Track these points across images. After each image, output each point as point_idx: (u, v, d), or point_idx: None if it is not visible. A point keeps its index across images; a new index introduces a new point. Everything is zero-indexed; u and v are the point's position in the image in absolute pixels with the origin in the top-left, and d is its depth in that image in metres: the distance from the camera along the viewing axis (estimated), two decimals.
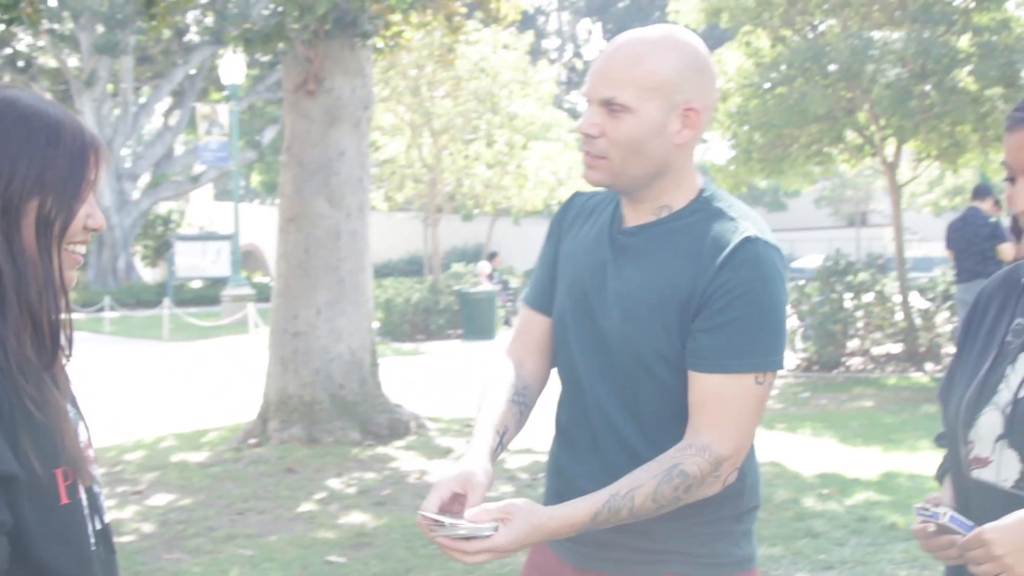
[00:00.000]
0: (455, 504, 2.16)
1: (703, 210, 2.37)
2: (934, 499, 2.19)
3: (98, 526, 1.91)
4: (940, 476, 2.37)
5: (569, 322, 2.45)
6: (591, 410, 2.42)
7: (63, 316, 1.87)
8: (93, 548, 1.87)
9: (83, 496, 1.85)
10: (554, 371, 2.58)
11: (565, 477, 2.45)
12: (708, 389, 2.27)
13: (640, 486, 2.20)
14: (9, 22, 8.56)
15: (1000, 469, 2.08)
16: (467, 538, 2.09)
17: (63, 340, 1.87)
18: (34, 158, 1.78)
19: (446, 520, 2.11)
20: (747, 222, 2.35)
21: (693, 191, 2.40)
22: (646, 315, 2.33)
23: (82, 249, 1.89)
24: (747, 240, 2.29)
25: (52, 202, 1.79)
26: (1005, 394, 2.10)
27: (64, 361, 1.92)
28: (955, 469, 2.22)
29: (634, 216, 2.42)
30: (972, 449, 2.14)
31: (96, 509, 1.92)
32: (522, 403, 2.45)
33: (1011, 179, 2.11)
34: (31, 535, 1.74)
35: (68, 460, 1.79)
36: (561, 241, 2.55)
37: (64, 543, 1.80)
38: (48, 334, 1.82)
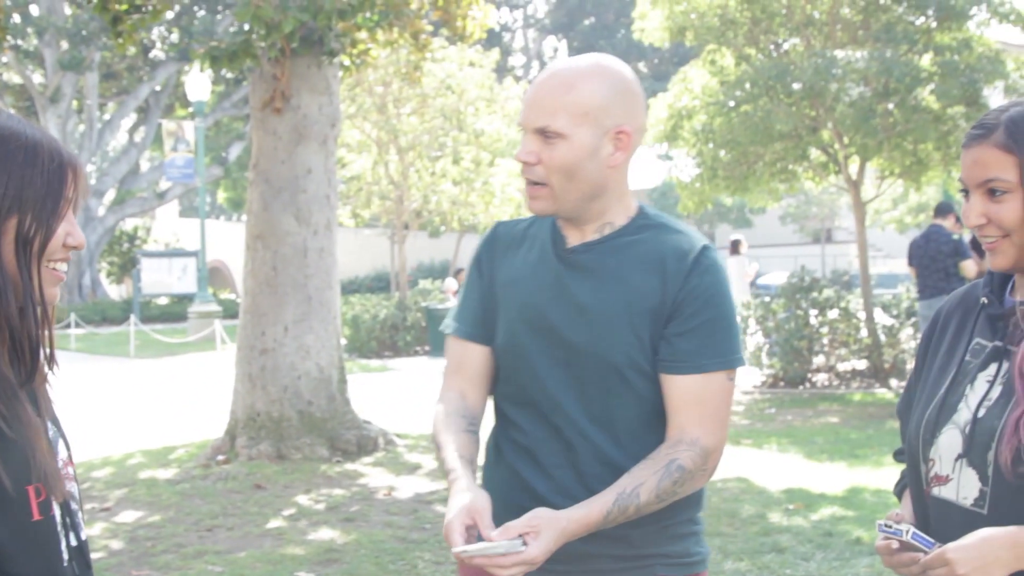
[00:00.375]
0: (469, 536, 2.24)
1: (649, 225, 2.51)
2: (896, 516, 2.23)
3: (74, 542, 1.94)
4: (899, 491, 2.43)
5: (528, 344, 2.51)
6: (562, 426, 2.48)
7: (43, 332, 1.90)
8: (66, 564, 1.89)
9: (56, 512, 1.87)
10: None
11: (533, 494, 2.49)
12: (688, 389, 2.41)
13: (643, 483, 2.32)
14: None
15: (960, 487, 2.13)
16: (503, 555, 2.19)
17: (43, 356, 1.90)
18: (12, 177, 1.81)
19: (481, 546, 2.19)
20: (693, 233, 2.51)
21: (632, 209, 2.54)
22: (616, 326, 2.43)
23: (63, 266, 1.92)
24: (706, 248, 2.46)
25: (31, 220, 1.83)
26: (964, 413, 2.15)
27: (49, 376, 1.95)
28: (915, 486, 2.27)
29: (577, 235, 2.53)
30: (932, 467, 2.19)
31: (73, 526, 1.94)
32: (475, 432, 2.54)
33: (966, 194, 2.18)
34: (2, 550, 1.77)
35: (40, 476, 1.81)
36: (495, 271, 2.61)
37: (36, 559, 1.82)
38: (27, 351, 1.85)
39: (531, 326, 2.51)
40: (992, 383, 2.14)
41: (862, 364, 14.70)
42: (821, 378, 14.82)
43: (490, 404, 2.69)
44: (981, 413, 2.12)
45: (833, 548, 6.76)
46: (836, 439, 10.69)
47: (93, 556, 6.84)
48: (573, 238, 2.53)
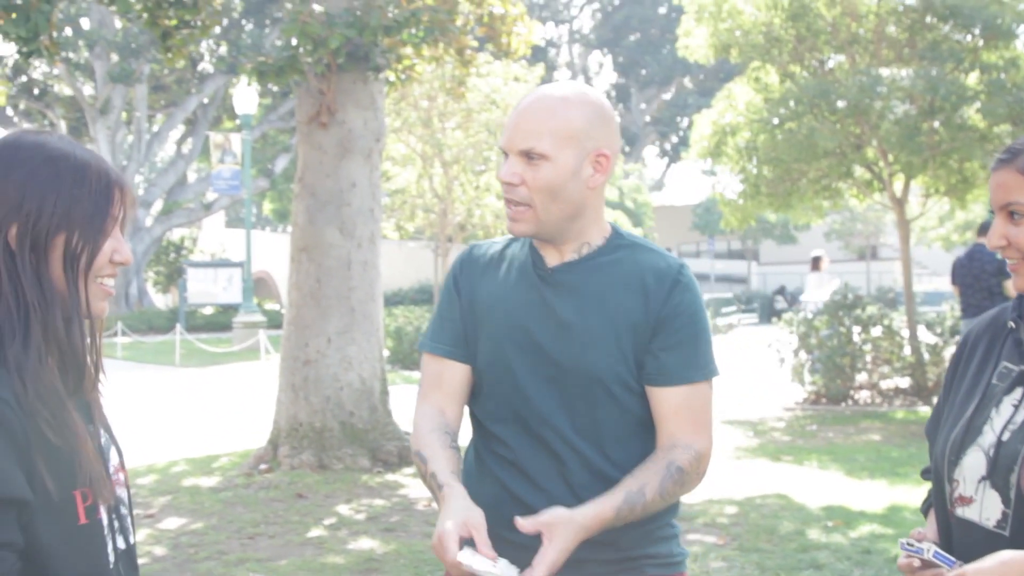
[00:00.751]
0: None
1: (625, 245, 2.63)
2: (919, 534, 2.28)
3: (122, 545, 2.03)
4: (925, 509, 2.47)
5: (514, 362, 2.60)
6: (549, 440, 2.58)
7: (91, 344, 2.00)
8: (112, 566, 1.97)
9: (103, 516, 1.95)
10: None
11: (524, 506, 2.56)
12: (677, 400, 2.54)
13: (647, 483, 2.44)
14: (28, 54, 8.70)
15: (983, 508, 2.18)
16: None
17: (90, 367, 1.99)
18: (61, 196, 1.91)
19: (481, 564, 2.24)
20: (666, 253, 2.65)
21: (607, 229, 2.65)
22: (601, 342, 2.53)
23: (111, 281, 2.01)
24: (683, 267, 2.59)
25: (78, 237, 1.92)
26: (989, 436, 2.19)
27: (99, 386, 2.04)
28: (939, 505, 2.32)
29: (556, 256, 2.63)
30: (957, 488, 2.24)
31: (122, 529, 2.03)
32: (457, 449, 2.61)
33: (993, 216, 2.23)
34: (49, 553, 1.86)
35: (86, 481, 1.90)
36: (475, 291, 2.69)
37: (82, 561, 1.91)
38: (75, 362, 1.94)
39: (517, 344, 2.60)
40: (1017, 407, 2.19)
41: (905, 382, 14.63)
42: (864, 395, 14.75)
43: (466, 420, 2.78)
44: (1006, 436, 2.17)
45: (871, 566, 6.77)
46: (877, 457, 10.65)
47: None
48: (552, 258, 2.63)
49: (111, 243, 1.98)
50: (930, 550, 2.13)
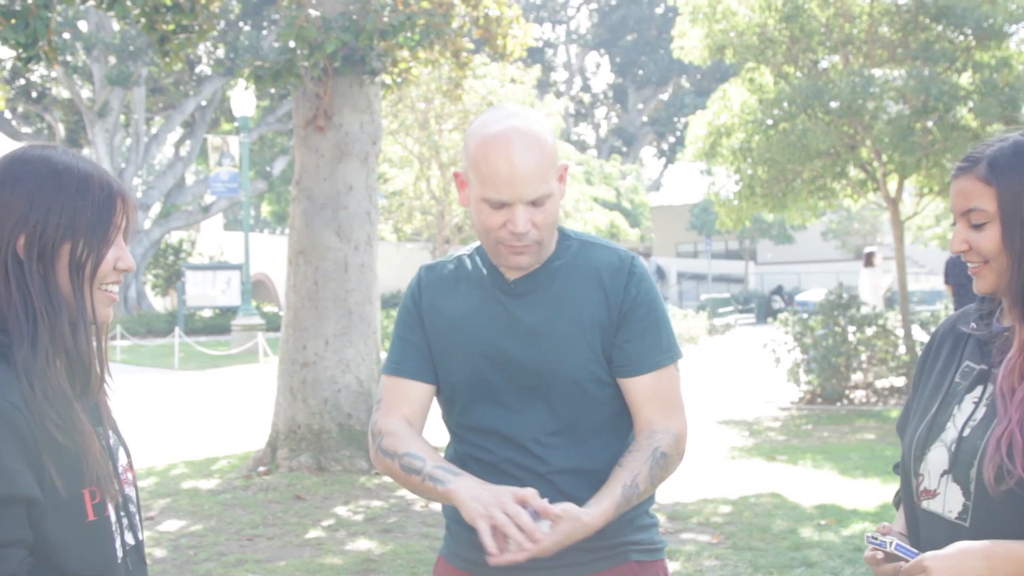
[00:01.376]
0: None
1: (574, 246, 2.71)
2: (884, 528, 2.39)
3: (131, 541, 2.13)
4: (897, 503, 2.58)
5: (491, 377, 2.67)
6: (528, 444, 2.66)
7: (96, 348, 2.09)
8: (120, 561, 2.07)
9: (111, 514, 2.05)
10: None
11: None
12: (647, 387, 2.64)
13: (639, 473, 2.54)
14: (28, 60, 8.77)
15: (946, 501, 2.29)
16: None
17: (96, 369, 2.08)
18: (65, 207, 2.02)
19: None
20: (615, 246, 2.73)
21: (556, 233, 2.71)
22: (572, 345, 2.62)
23: (115, 288, 2.11)
24: (634, 258, 2.68)
25: (83, 246, 2.03)
26: (951, 432, 2.31)
27: (106, 387, 2.13)
28: (907, 498, 2.43)
29: (520, 269, 2.67)
30: (922, 481, 2.36)
31: (131, 526, 2.15)
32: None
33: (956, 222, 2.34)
34: (59, 549, 1.96)
35: (93, 480, 1.99)
36: (439, 311, 2.74)
37: (91, 556, 2.02)
38: (81, 366, 2.03)
39: (491, 360, 2.66)
40: (977, 404, 2.30)
41: (900, 381, 14.72)
42: (859, 395, 14.84)
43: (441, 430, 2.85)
44: (966, 432, 2.28)
45: (862, 563, 6.82)
46: (871, 456, 10.73)
47: None
48: (512, 271, 2.68)
49: (114, 251, 2.08)
50: (892, 543, 2.24)
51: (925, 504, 2.34)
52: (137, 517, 2.19)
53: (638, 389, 2.65)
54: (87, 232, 2.03)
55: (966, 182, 2.29)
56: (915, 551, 2.21)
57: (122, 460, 2.18)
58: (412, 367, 2.74)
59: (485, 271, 2.72)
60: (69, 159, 2.07)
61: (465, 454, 2.74)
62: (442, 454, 2.74)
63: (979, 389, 2.31)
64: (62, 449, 1.94)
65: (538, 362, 2.63)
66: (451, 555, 2.80)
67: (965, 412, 2.30)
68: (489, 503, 2.37)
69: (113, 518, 2.07)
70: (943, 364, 2.44)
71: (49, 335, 1.98)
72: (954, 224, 2.36)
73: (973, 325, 2.39)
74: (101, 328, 2.11)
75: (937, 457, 2.31)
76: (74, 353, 2.03)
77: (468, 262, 2.77)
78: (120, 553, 2.09)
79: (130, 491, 2.18)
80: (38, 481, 1.91)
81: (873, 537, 2.28)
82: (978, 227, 2.27)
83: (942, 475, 2.29)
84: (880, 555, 2.27)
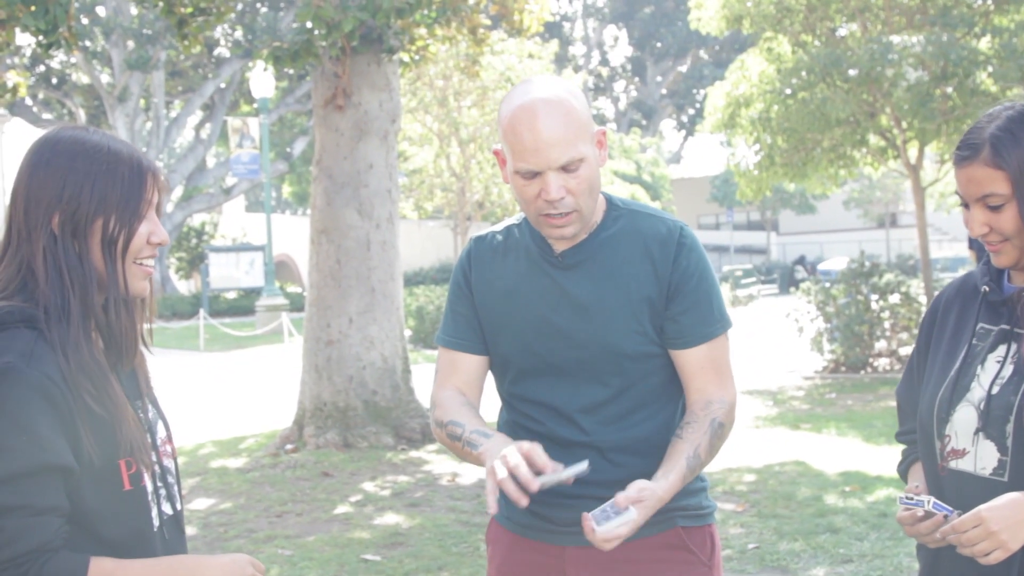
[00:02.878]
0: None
1: (623, 216, 2.71)
2: (915, 488, 2.42)
3: (169, 511, 2.21)
4: (903, 470, 2.61)
5: (539, 348, 2.69)
6: (579, 418, 2.68)
7: (133, 321, 2.17)
8: (156, 529, 2.14)
9: (148, 484, 2.13)
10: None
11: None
12: (700, 358, 2.66)
13: (700, 444, 2.57)
14: (48, 46, 8.83)
15: (977, 459, 2.33)
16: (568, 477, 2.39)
17: (130, 341, 2.14)
18: (97, 184, 2.09)
19: (551, 476, 2.37)
20: (665, 215, 2.72)
21: (603, 202, 2.73)
22: (620, 318, 2.64)
23: (151, 262, 2.18)
24: (683, 227, 2.69)
25: (115, 221, 2.10)
26: (978, 391, 2.36)
27: (144, 361, 2.25)
28: (928, 462, 2.47)
29: (566, 240, 2.67)
30: (948, 442, 2.39)
31: (169, 497, 2.23)
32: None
33: (966, 205, 2.38)
34: (96, 517, 2.04)
35: (128, 450, 2.06)
36: (488, 283, 2.76)
37: (127, 524, 2.09)
38: (114, 337, 2.11)
39: (539, 332, 2.68)
40: (1003, 363, 2.34)
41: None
42: (883, 363, 14.84)
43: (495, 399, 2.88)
44: (995, 390, 2.32)
45: (887, 528, 6.87)
46: (895, 423, 10.64)
47: None
48: (560, 243, 2.68)
49: (147, 225, 2.15)
50: (930, 501, 2.27)
51: (953, 464, 2.37)
52: (176, 488, 2.26)
53: (691, 360, 2.66)
54: (119, 208, 2.09)
55: (974, 169, 2.32)
56: (952, 508, 2.25)
57: (161, 433, 2.26)
58: (463, 339, 2.78)
59: (533, 242, 2.73)
60: (100, 138, 2.14)
61: (515, 423, 2.77)
62: (494, 421, 2.79)
63: (1002, 348, 2.36)
64: (98, 419, 2.01)
65: (586, 335, 2.65)
66: (503, 518, 2.83)
67: (990, 371, 2.35)
68: (496, 465, 2.39)
69: (150, 488, 2.14)
70: (954, 328, 2.49)
71: (81, 308, 2.05)
72: (962, 206, 2.40)
73: (986, 288, 2.43)
74: (136, 301, 2.19)
75: (965, 417, 2.35)
76: (107, 326, 2.11)
77: (516, 232, 2.78)
78: (156, 522, 2.15)
79: (169, 463, 2.25)
80: (74, 451, 1.97)
81: (908, 498, 2.31)
82: (995, 209, 2.31)
83: (974, 434, 2.33)
84: (920, 513, 2.30)
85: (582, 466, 2.39)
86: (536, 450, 2.40)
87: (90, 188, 2.07)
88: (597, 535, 2.34)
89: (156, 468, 2.17)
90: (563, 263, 2.68)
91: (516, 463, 2.36)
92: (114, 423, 2.04)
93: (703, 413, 2.61)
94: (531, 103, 2.54)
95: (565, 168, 2.53)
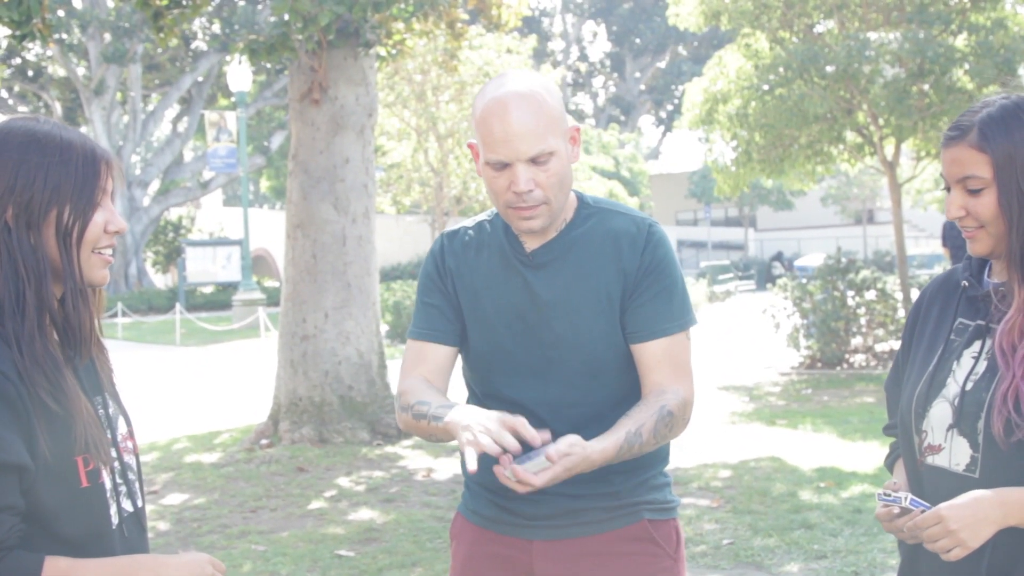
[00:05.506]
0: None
1: (594, 215, 2.71)
2: (893, 485, 2.42)
3: (129, 508, 2.18)
4: (890, 464, 2.62)
5: (510, 346, 2.69)
6: (549, 417, 2.65)
7: (89, 313, 2.13)
8: (115, 527, 2.11)
9: (106, 480, 2.09)
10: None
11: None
12: (657, 352, 2.64)
13: (644, 424, 2.55)
14: (22, 38, 8.77)
15: (952, 455, 2.34)
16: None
17: (87, 333, 2.11)
18: (50, 175, 2.07)
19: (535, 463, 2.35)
20: (635, 212, 2.72)
21: (574, 199, 2.73)
22: (589, 317, 2.64)
23: (109, 251, 2.15)
24: (652, 224, 2.68)
25: (69, 211, 2.08)
26: (953, 387, 2.36)
27: (107, 356, 2.22)
28: (908, 457, 2.47)
29: (537, 238, 2.69)
30: (925, 438, 2.40)
31: (129, 493, 2.20)
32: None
33: (948, 189, 2.38)
34: (53, 514, 2.01)
35: (84, 447, 2.04)
36: (461, 277, 2.75)
37: (84, 522, 2.06)
38: (72, 331, 2.08)
39: (511, 329, 2.68)
40: (977, 359, 2.35)
41: (899, 344, 14.71)
42: (859, 359, 14.87)
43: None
44: (969, 386, 2.33)
45: (861, 524, 6.89)
46: (870, 419, 10.77)
47: None
48: (531, 240, 2.69)
49: (102, 214, 2.12)
50: (907, 498, 2.27)
51: (930, 460, 2.38)
52: (137, 485, 2.23)
53: (648, 354, 2.65)
54: (73, 197, 2.07)
55: (958, 151, 2.32)
56: (928, 504, 2.25)
57: (122, 429, 2.23)
58: (432, 329, 2.76)
59: (506, 239, 2.73)
60: (51, 128, 2.11)
61: None
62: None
63: (977, 344, 2.36)
64: (53, 415, 1.99)
65: (558, 335, 2.65)
66: (468, 511, 2.83)
67: (965, 367, 2.36)
68: (475, 427, 2.37)
69: (108, 485, 2.11)
70: (935, 323, 2.50)
71: (36, 301, 2.03)
72: (944, 190, 2.40)
73: (965, 283, 2.43)
74: (94, 291, 2.16)
75: (940, 413, 2.36)
76: (64, 318, 2.08)
77: (488, 227, 2.78)
78: (116, 520, 2.13)
79: (130, 459, 2.22)
80: (29, 448, 1.95)
81: (885, 494, 2.31)
82: (974, 193, 2.31)
83: (947, 430, 2.34)
84: (896, 510, 2.30)
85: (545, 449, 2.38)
86: (524, 427, 2.38)
87: (43, 178, 2.05)
88: (517, 472, 2.32)
89: (116, 465, 2.14)
90: (533, 262, 2.68)
91: (499, 433, 2.34)
92: (70, 419, 2.01)
93: (654, 399, 2.61)
94: (504, 96, 2.55)
95: (535, 161, 2.54)
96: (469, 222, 2.84)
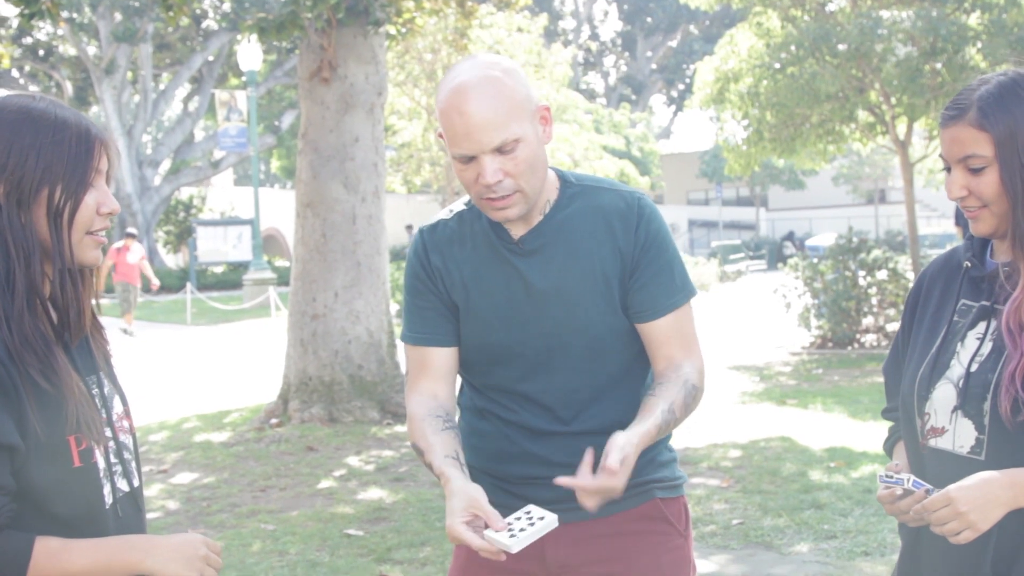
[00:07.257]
0: (475, 529, 2.32)
1: (580, 193, 2.65)
2: (895, 467, 2.39)
3: (125, 488, 2.16)
4: (889, 447, 2.59)
5: (506, 338, 2.63)
6: (551, 403, 2.63)
7: (81, 293, 2.12)
8: (108, 507, 2.09)
9: (99, 460, 2.08)
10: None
11: (528, 454, 2.65)
12: (666, 328, 2.61)
13: (674, 400, 2.53)
14: (31, 16, 8.75)
15: (956, 437, 2.31)
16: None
17: (77, 313, 2.10)
18: (42, 153, 2.04)
19: (503, 539, 2.29)
20: (619, 186, 2.67)
21: (555, 179, 2.67)
22: (586, 301, 2.59)
23: (103, 233, 2.12)
24: (641, 198, 2.63)
25: (61, 191, 2.05)
26: (957, 369, 2.33)
27: (104, 335, 2.20)
28: (910, 439, 2.44)
29: (522, 224, 2.62)
30: (928, 420, 2.37)
31: (125, 473, 2.17)
32: (453, 426, 2.62)
33: (948, 169, 2.34)
34: (45, 493, 1.99)
35: (77, 426, 2.02)
36: (448, 272, 2.68)
37: (76, 501, 2.04)
38: (63, 311, 2.06)
39: (505, 322, 2.62)
40: (982, 340, 2.31)
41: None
42: (870, 339, 14.83)
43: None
44: (974, 368, 2.29)
45: (871, 504, 6.87)
46: (881, 398, 10.62)
47: (150, 516, 7.11)
48: (517, 227, 2.62)
49: (95, 195, 2.09)
50: (909, 480, 2.24)
51: (933, 442, 2.35)
52: (133, 464, 2.21)
53: (658, 331, 2.62)
54: (65, 177, 2.04)
55: (958, 130, 2.29)
56: (931, 487, 2.22)
57: (117, 408, 2.20)
58: (429, 333, 2.70)
59: (490, 228, 2.65)
60: (46, 106, 2.08)
61: (484, 409, 2.72)
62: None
63: (982, 325, 2.33)
64: (45, 395, 1.97)
65: (553, 323, 2.60)
66: None
67: (970, 348, 2.32)
68: (451, 528, 2.32)
69: (102, 465, 2.09)
70: (937, 304, 2.46)
71: (26, 280, 2.01)
72: (944, 170, 2.37)
73: (968, 264, 2.40)
74: (87, 272, 2.14)
75: (944, 395, 2.33)
76: (56, 299, 2.06)
77: (469, 217, 2.70)
78: (110, 499, 2.11)
79: (125, 439, 2.20)
80: (20, 428, 1.93)
81: (887, 476, 2.28)
82: (976, 172, 2.28)
83: (952, 412, 2.31)
84: (898, 491, 2.28)
85: (552, 523, 2.34)
86: (483, 506, 2.33)
87: (35, 157, 2.02)
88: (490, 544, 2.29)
89: (111, 444, 2.13)
90: (522, 249, 2.61)
91: (479, 546, 2.29)
92: (61, 398, 2.00)
93: (675, 375, 2.57)
94: (459, 86, 2.46)
95: (500, 150, 2.46)
96: (446, 213, 2.76)
